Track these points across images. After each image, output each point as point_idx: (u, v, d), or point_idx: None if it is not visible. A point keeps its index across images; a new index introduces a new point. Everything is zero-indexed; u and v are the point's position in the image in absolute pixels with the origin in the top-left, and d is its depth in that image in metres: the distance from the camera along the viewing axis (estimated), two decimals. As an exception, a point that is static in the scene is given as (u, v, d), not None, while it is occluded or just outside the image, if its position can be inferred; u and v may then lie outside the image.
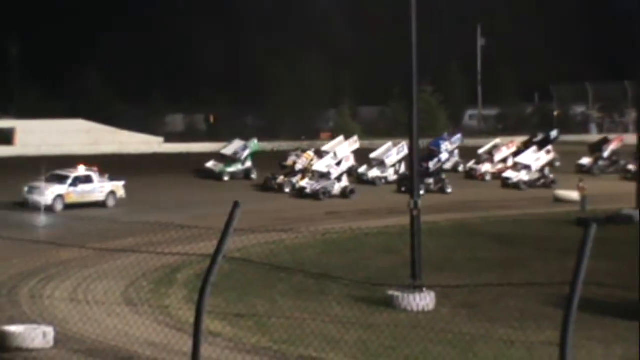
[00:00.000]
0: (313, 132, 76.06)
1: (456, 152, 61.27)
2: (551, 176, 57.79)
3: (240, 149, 56.15)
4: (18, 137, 59.86)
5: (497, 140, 63.40)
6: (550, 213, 48.99)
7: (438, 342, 25.16)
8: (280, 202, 50.53)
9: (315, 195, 50.06)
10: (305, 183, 50.98)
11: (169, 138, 67.01)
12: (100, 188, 46.99)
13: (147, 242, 39.72)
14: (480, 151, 61.42)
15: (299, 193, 50.29)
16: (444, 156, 55.93)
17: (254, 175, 55.94)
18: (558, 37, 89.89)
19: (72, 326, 28.19)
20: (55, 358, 25.05)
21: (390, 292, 31.97)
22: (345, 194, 50.24)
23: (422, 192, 50.15)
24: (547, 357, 18.36)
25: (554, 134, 64.02)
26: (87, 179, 46.96)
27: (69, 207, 46.34)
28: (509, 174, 57.24)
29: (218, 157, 56.54)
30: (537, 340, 23.34)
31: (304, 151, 55.78)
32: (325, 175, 51.08)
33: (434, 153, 55.99)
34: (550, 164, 59.21)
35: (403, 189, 52.00)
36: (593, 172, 62.82)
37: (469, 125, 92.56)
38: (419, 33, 33.30)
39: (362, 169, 56.27)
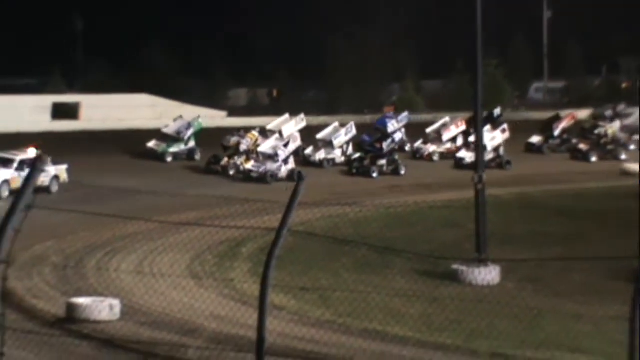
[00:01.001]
0: (376, 106, 75.84)
1: (402, 130, 56.66)
2: (506, 157, 55.17)
3: (184, 128, 52.70)
4: (83, 112, 60.30)
5: (447, 119, 59.36)
6: (615, 187, 48.45)
7: (504, 316, 25.09)
8: (331, 176, 50.26)
9: (262, 179, 47.70)
10: (251, 166, 48.23)
11: (232, 112, 67.19)
12: (45, 173, 42.51)
13: (212, 215, 39.94)
14: (428, 130, 57.87)
15: (245, 176, 47.77)
16: (397, 136, 53.23)
17: (197, 156, 52.47)
18: (626, 9, 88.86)
19: (138, 299, 28.48)
20: (121, 330, 25.34)
21: (455, 266, 31.92)
22: (292, 177, 46.71)
23: (374, 175, 49.53)
24: (615, 331, 18.22)
25: (497, 111, 59.68)
26: (35, 163, 44.89)
27: (13, 193, 41.77)
28: (462, 154, 54.43)
29: (159, 136, 52.88)
30: (604, 314, 23.18)
31: (247, 131, 52.31)
32: (271, 157, 48.60)
33: (384, 133, 53.13)
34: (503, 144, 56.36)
35: (354, 171, 50.77)
36: (542, 151, 60.01)
37: (535, 98, 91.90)
38: (484, 5, 33.11)
39: (309, 151, 53.26)
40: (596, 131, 59.78)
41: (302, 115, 53.90)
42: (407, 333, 25.28)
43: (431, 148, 56.22)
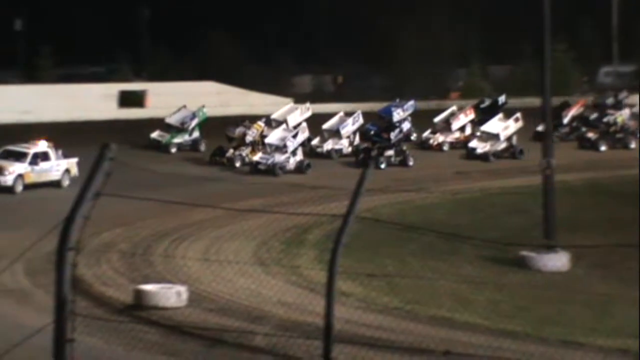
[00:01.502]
0: (442, 92, 75.51)
1: (409, 119, 54.43)
2: (519, 146, 52.83)
3: (188, 118, 50.65)
4: (149, 100, 60.69)
5: (454, 108, 57.31)
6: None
7: (574, 303, 24.90)
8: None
9: (271, 171, 45.68)
10: (259, 157, 45.92)
11: (298, 99, 67.26)
12: (57, 166, 42.01)
13: (278, 202, 40.06)
14: (436, 119, 55.44)
15: (253, 168, 45.85)
16: (405, 126, 51.12)
17: (202, 147, 50.42)
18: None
19: (205, 285, 28.64)
20: (189, 317, 25.47)
21: (524, 253, 31.72)
22: (301, 168, 45.83)
23: (382, 166, 47.40)
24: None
25: (502, 99, 58.19)
26: (45, 156, 41.92)
27: (26, 188, 41.29)
28: (474, 144, 52.45)
29: (163, 126, 50.85)
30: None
31: (252, 121, 50.20)
32: (280, 148, 46.52)
33: (389, 122, 51.08)
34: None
35: (367, 161, 47.28)
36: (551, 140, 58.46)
37: (604, 82, 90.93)
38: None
39: (315, 141, 50.91)
40: (605, 119, 58.02)
41: (307, 104, 52.22)
42: (476, 320, 25.16)
43: (440, 137, 54.45)
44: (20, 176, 40.59)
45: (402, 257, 32.33)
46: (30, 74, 63.77)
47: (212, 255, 32.53)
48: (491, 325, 24.75)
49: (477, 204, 42.09)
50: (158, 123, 49.81)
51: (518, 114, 53.69)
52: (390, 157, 48.36)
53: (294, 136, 47.05)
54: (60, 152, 41.98)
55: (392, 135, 49.03)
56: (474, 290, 28.32)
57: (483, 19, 77.03)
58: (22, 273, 28.10)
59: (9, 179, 40.28)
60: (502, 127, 52.02)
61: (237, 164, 46.77)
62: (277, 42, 73.28)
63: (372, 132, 50.17)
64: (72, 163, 42.12)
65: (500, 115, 52.96)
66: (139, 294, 26.60)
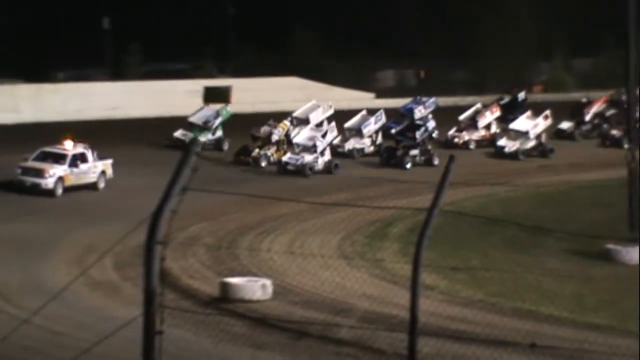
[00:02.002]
0: (524, 85, 74.88)
1: (431, 117, 52.14)
2: (549, 144, 51.26)
3: (212, 117, 48.78)
4: (234, 95, 60.98)
5: (479, 105, 54.83)
6: None
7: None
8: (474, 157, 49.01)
9: (300, 172, 43.41)
10: (287, 158, 43.85)
11: (380, 94, 67.12)
12: (94, 168, 39.66)
13: (361, 196, 40.05)
14: (461, 117, 53.10)
15: (282, 169, 43.65)
16: (430, 124, 48.85)
17: (225, 146, 48.36)
18: None
19: (290, 278, 28.69)
20: (274, 309, 25.56)
21: (609, 246, 31.32)
22: (329, 169, 43.58)
23: (408, 166, 45.66)
24: None
25: (521, 95, 56.39)
26: (83, 158, 39.38)
27: (65, 191, 38.71)
28: (502, 142, 50.52)
29: (186, 125, 48.72)
30: None
31: (277, 120, 47.96)
32: (308, 148, 44.37)
33: (411, 120, 48.82)
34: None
35: (392, 161, 46.64)
36: (574, 137, 55.47)
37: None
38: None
39: (337, 140, 48.18)
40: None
41: (329, 102, 50.26)
42: (561, 313, 24.96)
43: (466, 136, 52.37)
44: (60, 179, 38.31)
45: (486, 250, 32.13)
46: (118, 72, 64.47)
47: (297, 249, 32.59)
48: (576, 318, 24.54)
49: (560, 197, 41.69)
50: (241, 118, 49.80)
51: (547, 112, 52.08)
52: (415, 156, 46.61)
53: (323, 135, 45.34)
54: (95, 153, 39.87)
55: (418, 134, 47.41)
56: (558, 283, 28.06)
57: (565, 11, 76.11)
58: (111, 267, 28.39)
59: (49, 182, 37.99)
60: (532, 124, 50.44)
61: (263, 164, 45.12)
62: (360, 37, 73.12)
63: (393, 131, 48.53)
64: (107, 165, 40.26)
65: (529, 112, 51.43)
66: (225, 287, 26.74)
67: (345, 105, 55.11)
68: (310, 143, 44.39)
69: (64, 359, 14.77)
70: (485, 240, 32.81)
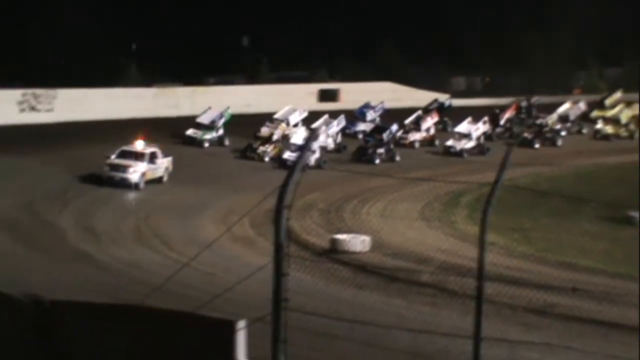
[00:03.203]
0: (566, 89, 73.37)
1: (378, 119, 48.97)
2: (486, 144, 46.40)
3: (217, 118, 44.81)
4: (342, 96, 60.93)
5: (419, 112, 50.17)
6: None
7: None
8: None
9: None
10: (287, 155, 40.25)
11: (454, 95, 66.33)
12: (162, 163, 36.32)
13: (438, 173, 39.72)
14: (407, 121, 48.17)
15: (282, 164, 39.69)
16: (394, 127, 45.19)
17: (226, 143, 44.49)
18: None
19: (383, 236, 28.61)
20: (371, 259, 25.54)
21: (631, 213, 30.64)
22: (320, 165, 39.80)
23: (377, 162, 42.01)
24: None
25: (447, 102, 52.90)
26: (155, 155, 36.14)
27: (147, 183, 35.38)
28: (451, 142, 46.26)
29: (195, 125, 44.68)
30: None
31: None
32: (302, 147, 39.42)
33: (382, 125, 45.95)
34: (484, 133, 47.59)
35: (363, 158, 42.65)
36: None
37: None
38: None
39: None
40: (538, 121, 51.33)
41: (304, 107, 47.13)
42: (595, 265, 24.50)
43: (412, 137, 47.85)
44: (143, 174, 34.97)
45: (536, 216, 31.64)
46: (253, 77, 64.79)
47: (388, 213, 32.50)
48: (607, 269, 24.06)
49: (594, 175, 40.88)
50: (346, 113, 49.30)
51: (486, 118, 48.60)
52: (381, 154, 43.06)
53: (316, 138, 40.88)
54: (159, 152, 36.49)
55: (384, 135, 44.23)
56: (593, 242, 27.56)
57: (597, 28, 74.14)
58: (248, 225, 28.56)
59: (134, 177, 34.66)
60: (474, 128, 46.77)
61: (266, 159, 41.49)
62: (438, 50, 72.29)
63: (361, 132, 46.26)
64: (169, 161, 36.73)
65: (470, 118, 47.39)
66: (334, 242, 26.78)
67: (425, 104, 54.55)
68: (303, 142, 40.09)
69: (215, 293, 14.88)
70: (535, 209, 32.32)
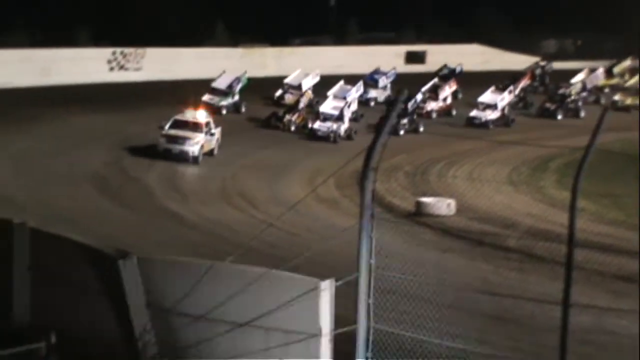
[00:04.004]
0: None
1: (388, 86, 46.43)
2: (511, 115, 43.91)
3: (235, 83, 41.86)
4: (428, 58, 60.43)
5: (435, 80, 47.02)
6: None
7: None
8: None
9: (326, 138, 37.12)
10: (318, 125, 37.55)
11: (545, 58, 65.13)
12: (217, 134, 33.63)
13: (527, 137, 39.11)
14: (423, 89, 44.52)
15: (313, 134, 37.35)
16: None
17: (243, 109, 41.47)
18: None
19: (469, 199, 28.38)
20: (456, 223, 25.39)
21: None
22: (350, 136, 37.45)
23: (401, 132, 38.55)
24: None
25: (458, 68, 49.05)
26: (210, 125, 33.38)
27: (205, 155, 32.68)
28: (475, 113, 42.88)
29: (210, 90, 41.50)
30: None
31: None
32: (331, 117, 38.04)
33: (372, 86, 43.26)
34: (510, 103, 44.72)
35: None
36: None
37: None
38: None
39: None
40: (560, 91, 47.72)
41: (317, 71, 43.97)
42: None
43: (429, 106, 44.72)
44: (202, 146, 32.19)
45: (627, 181, 30.89)
46: (339, 38, 64.57)
47: (474, 176, 32.23)
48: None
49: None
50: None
51: (512, 87, 45.56)
52: (404, 125, 39.70)
53: (349, 106, 39.00)
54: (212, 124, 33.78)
55: (409, 105, 40.88)
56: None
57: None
58: (333, 186, 28.62)
59: (195, 149, 31.86)
60: (499, 98, 43.60)
61: (292, 128, 38.66)
62: (528, 11, 70.91)
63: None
64: (219, 131, 33.81)
65: (493, 87, 44.52)
66: (419, 205, 26.69)
67: (516, 67, 53.75)
68: (335, 112, 38.09)
69: (298, 253, 14.97)
70: (626, 174, 31.58)
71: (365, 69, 47.55)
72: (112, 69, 47.97)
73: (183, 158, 31.62)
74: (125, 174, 29.43)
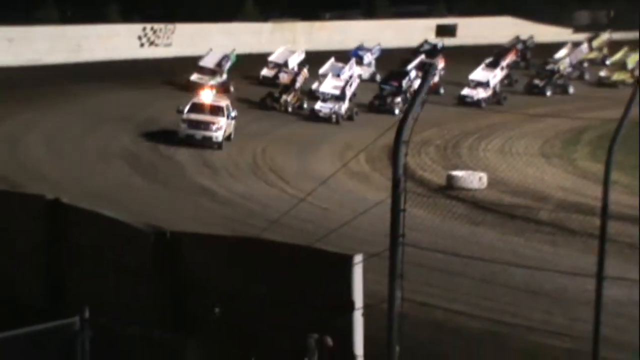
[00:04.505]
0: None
1: (373, 63, 43.67)
2: (503, 93, 40.92)
3: (225, 61, 39.26)
4: (459, 31, 60.02)
5: (422, 57, 43.90)
6: None
7: None
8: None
9: (328, 119, 34.90)
10: (319, 105, 35.27)
11: (577, 30, 64.49)
12: (231, 120, 30.89)
13: (559, 110, 38.83)
14: (410, 66, 41.79)
15: (314, 115, 35.02)
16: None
17: (231, 88, 38.53)
18: None
19: (501, 173, 28.31)
20: (487, 196, 25.31)
21: None
22: (352, 116, 35.49)
23: (397, 112, 36.12)
24: None
25: (440, 44, 47.13)
26: (229, 108, 30.99)
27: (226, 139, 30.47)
28: (466, 91, 39.93)
29: (197, 68, 39.09)
30: None
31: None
32: (332, 98, 35.67)
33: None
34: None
35: (382, 108, 36.83)
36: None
37: None
38: None
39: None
40: (548, 67, 44.76)
41: (303, 48, 42.30)
42: None
43: (417, 84, 40.50)
44: (225, 131, 30.12)
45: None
46: (369, 12, 64.24)
47: (506, 149, 32.06)
48: None
49: None
50: (466, 50, 48.37)
51: (504, 63, 42.88)
52: (398, 103, 37.28)
53: (350, 85, 36.42)
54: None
55: (403, 82, 38.54)
56: None
57: None
58: (364, 160, 28.59)
59: (219, 135, 29.79)
60: (492, 75, 40.81)
61: (289, 109, 36.38)
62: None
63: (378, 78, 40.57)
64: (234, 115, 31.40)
65: (483, 65, 42.14)
66: (450, 178, 26.62)
67: (547, 39, 53.21)
68: (336, 92, 35.73)
69: (330, 228, 15.00)
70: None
71: (396, 43, 47.19)
72: (142, 45, 48.07)
73: (206, 144, 29.60)
74: (157, 150, 29.56)
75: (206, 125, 29.86)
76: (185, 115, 30.10)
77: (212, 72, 38.74)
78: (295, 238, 15.68)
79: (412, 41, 48.58)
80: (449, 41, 54.28)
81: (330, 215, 21.43)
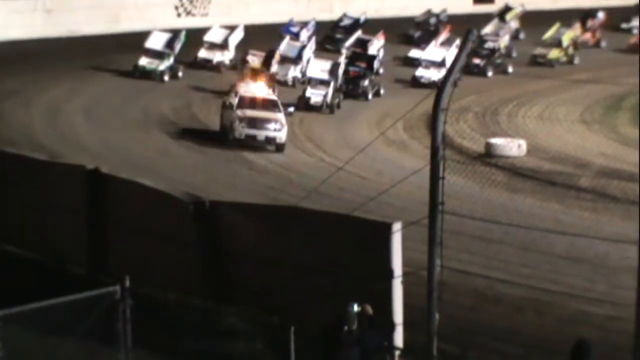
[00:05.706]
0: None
1: (313, 40, 37.81)
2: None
3: (177, 42, 34.23)
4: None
5: (359, 33, 40.27)
6: None
7: None
8: None
9: (319, 107, 30.74)
10: (310, 92, 30.71)
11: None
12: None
13: (598, 76, 38.31)
14: (347, 43, 39.01)
15: (305, 104, 30.49)
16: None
17: (180, 73, 33.97)
18: None
19: (540, 140, 28.10)
20: (527, 163, 25.16)
21: None
22: (339, 103, 31.42)
23: (370, 97, 32.76)
24: None
25: (362, 18, 42.27)
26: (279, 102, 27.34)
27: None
28: (420, 71, 35.57)
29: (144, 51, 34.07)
30: None
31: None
32: (321, 83, 31.36)
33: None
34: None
35: (354, 92, 32.61)
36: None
37: None
38: None
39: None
40: (486, 45, 39.21)
41: (241, 26, 37.64)
42: None
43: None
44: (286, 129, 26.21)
45: None
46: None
47: (546, 116, 31.76)
48: None
49: None
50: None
51: (458, 41, 34.61)
52: (366, 87, 33.18)
53: (338, 66, 32.53)
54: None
55: (375, 64, 34.39)
56: None
57: None
58: (401, 128, 28.44)
59: (283, 135, 25.77)
60: (447, 53, 35.68)
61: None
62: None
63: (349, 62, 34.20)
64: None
65: (434, 42, 38.48)
66: (489, 146, 26.47)
67: (586, 5, 52.22)
68: (325, 76, 31.51)
69: (368, 196, 14.97)
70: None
71: (432, 9, 46.55)
72: (179, 15, 48.07)
73: (266, 145, 25.76)
74: (196, 119, 29.63)
75: (268, 123, 25.78)
76: (239, 112, 25.89)
77: (162, 55, 34.00)
78: (334, 206, 15.67)
79: (447, 6, 47.61)
80: (489, 7, 53.54)
81: (369, 184, 21.39)
